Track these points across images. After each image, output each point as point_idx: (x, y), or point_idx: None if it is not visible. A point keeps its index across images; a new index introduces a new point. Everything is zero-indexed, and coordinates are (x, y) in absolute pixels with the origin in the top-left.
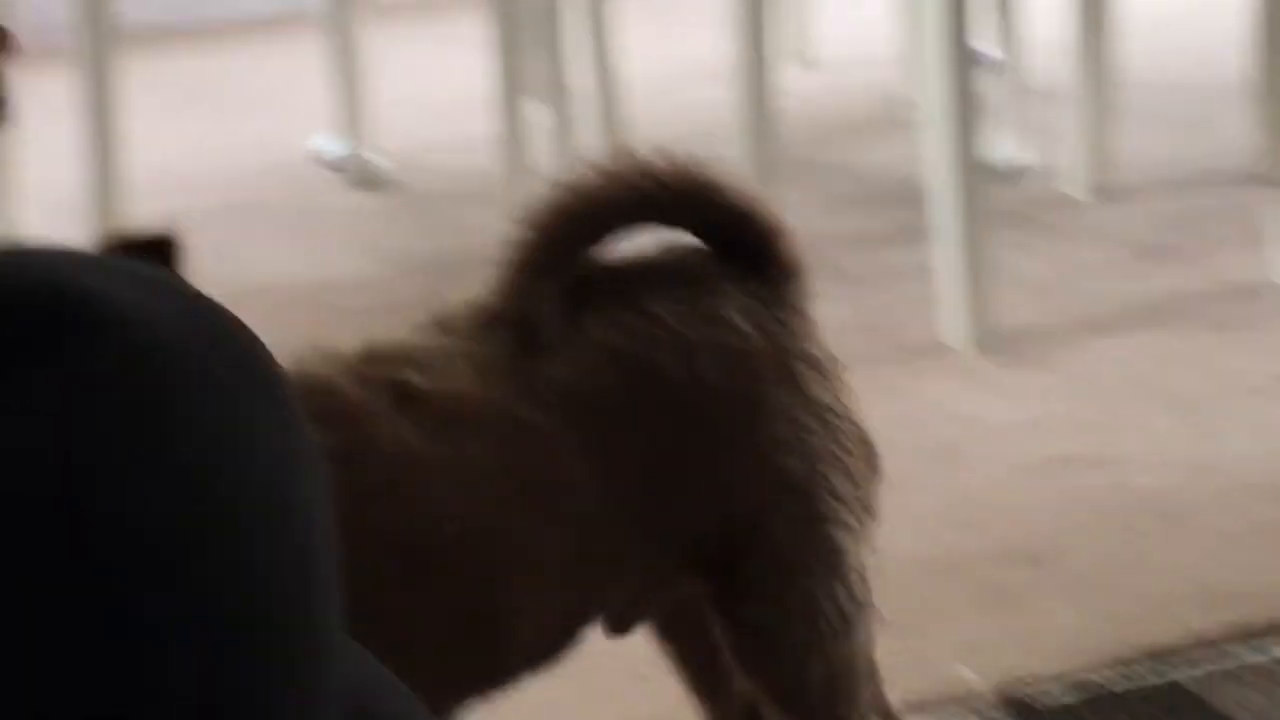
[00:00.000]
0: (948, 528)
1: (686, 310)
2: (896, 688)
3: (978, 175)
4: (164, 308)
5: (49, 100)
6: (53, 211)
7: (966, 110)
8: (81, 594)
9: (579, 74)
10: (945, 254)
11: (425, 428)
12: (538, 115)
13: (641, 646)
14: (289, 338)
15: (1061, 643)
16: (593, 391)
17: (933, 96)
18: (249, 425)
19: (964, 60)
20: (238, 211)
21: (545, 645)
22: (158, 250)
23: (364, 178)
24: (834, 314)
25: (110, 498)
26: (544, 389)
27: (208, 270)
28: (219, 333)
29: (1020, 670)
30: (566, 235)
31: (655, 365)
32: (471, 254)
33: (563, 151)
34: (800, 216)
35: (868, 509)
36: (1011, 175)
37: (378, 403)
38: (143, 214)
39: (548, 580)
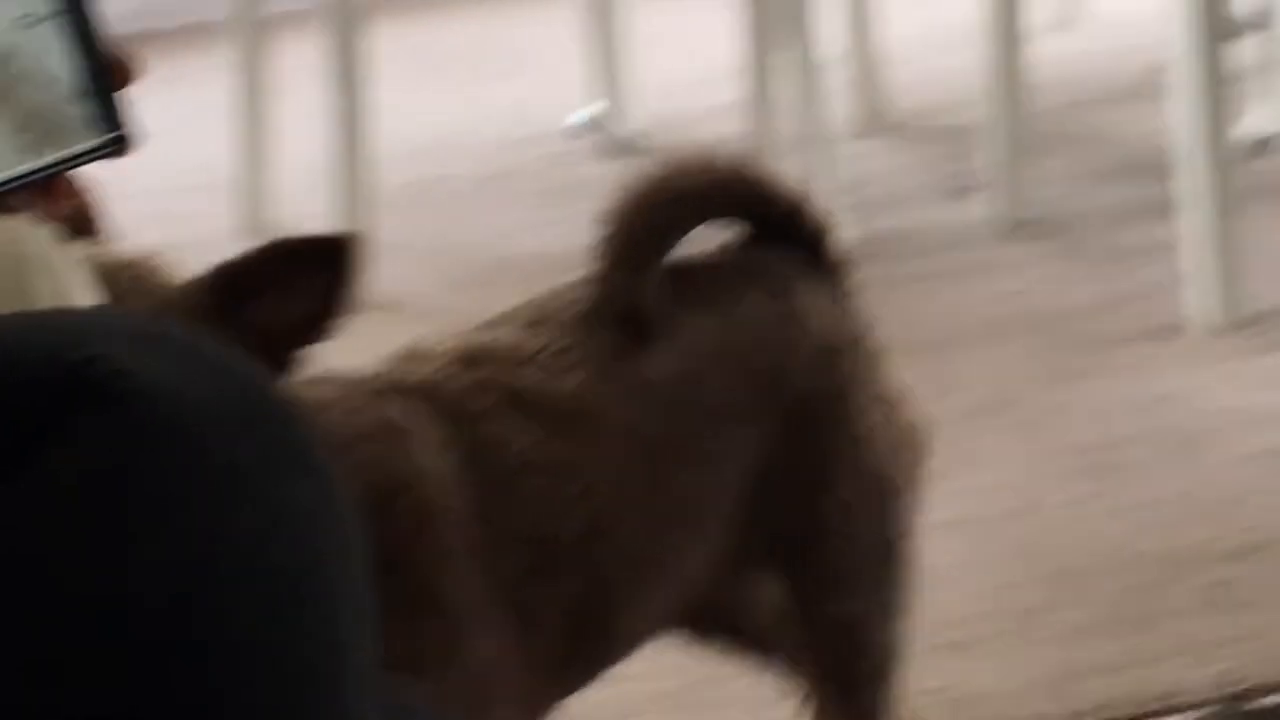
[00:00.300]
0: (1182, 519)
1: (770, 310)
2: (1120, 686)
3: (1228, 146)
4: (196, 381)
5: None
6: (305, 181)
7: (1217, 77)
8: (82, 683)
9: (832, 39)
10: (1193, 230)
11: (541, 428)
12: (788, 82)
13: None
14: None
15: None
16: (696, 391)
17: (1181, 62)
18: (274, 510)
19: (1215, 24)
20: (492, 181)
21: (636, 641)
22: (330, 255)
23: (617, 146)
24: (1076, 293)
25: (117, 583)
26: (651, 388)
27: (460, 240)
28: (253, 410)
29: (1242, 672)
30: (653, 229)
31: (751, 365)
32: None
33: (811, 120)
34: (1046, 189)
35: (919, 492)
36: (1264, 146)
37: (491, 403)
38: (393, 183)
39: (653, 577)
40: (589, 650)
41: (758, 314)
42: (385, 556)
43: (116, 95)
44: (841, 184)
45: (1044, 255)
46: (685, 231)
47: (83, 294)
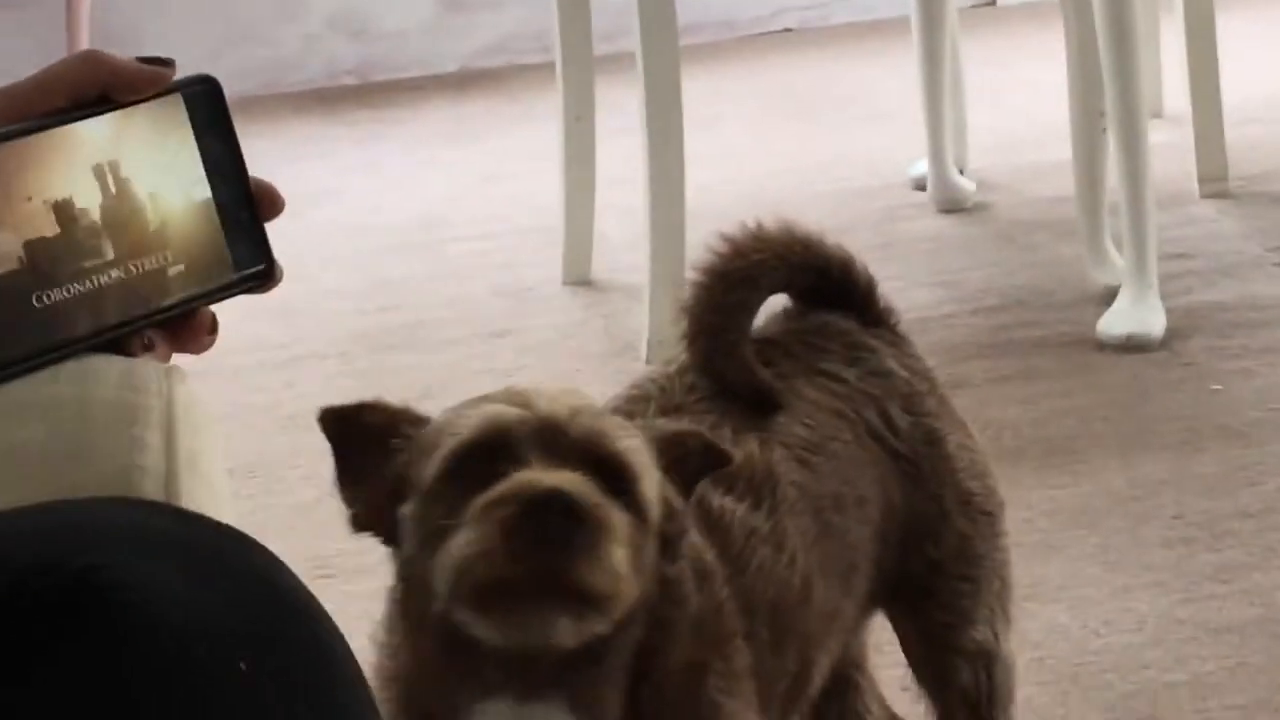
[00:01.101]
0: None
1: (858, 368)
2: None
3: None
4: (205, 599)
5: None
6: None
7: None
8: None
9: (1175, 94)
10: None
11: (743, 500)
12: (1117, 142)
13: None
14: None
15: None
16: (829, 448)
17: None
18: None
19: None
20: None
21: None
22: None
23: (951, 202)
24: None
25: None
26: (800, 449)
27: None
28: (261, 631)
29: None
30: (735, 304)
31: (860, 418)
32: (1042, 290)
33: (1136, 178)
34: None
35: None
36: None
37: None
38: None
39: (834, 632)
40: (789, 708)
41: (849, 375)
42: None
43: (261, 227)
44: (1169, 251)
45: None
46: (759, 303)
47: (197, 443)
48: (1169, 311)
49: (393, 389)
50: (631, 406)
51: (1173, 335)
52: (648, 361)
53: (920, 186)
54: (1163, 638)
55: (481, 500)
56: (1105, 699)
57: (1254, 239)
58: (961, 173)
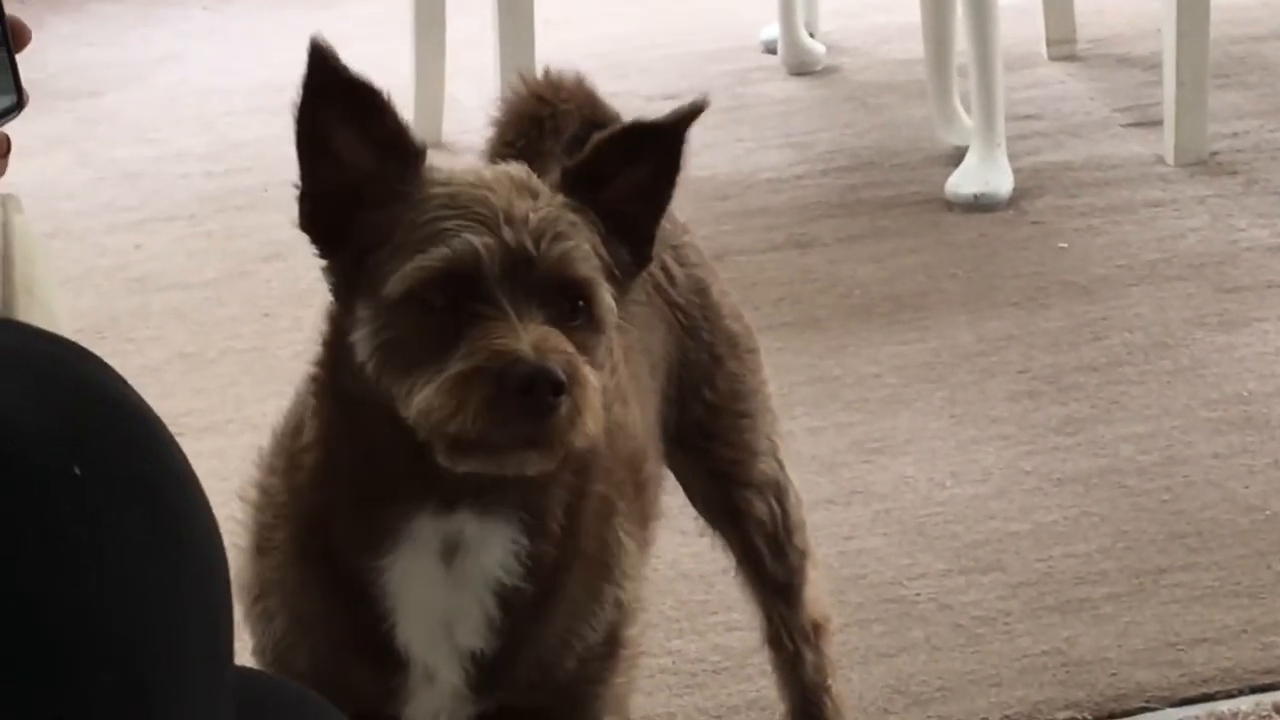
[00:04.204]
0: None
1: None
2: (1224, 656)
3: None
4: (37, 404)
5: None
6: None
7: None
8: None
9: None
10: None
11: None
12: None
13: None
14: (713, 233)
15: None
16: (632, 309)
17: None
18: (93, 528)
19: None
20: (683, 99)
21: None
22: (657, 135)
23: (802, 65)
24: (1247, 234)
25: None
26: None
27: None
28: (94, 436)
29: None
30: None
31: (649, 275)
32: (891, 151)
33: (984, 44)
34: (1225, 125)
35: None
36: None
37: None
38: None
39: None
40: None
41: None
42: None
43: (14, 62)
44: (1017, 112)
45: (1217, 193)
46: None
47: (32, 270)
48: (1016, 171)
49: (242, 249)
50: None
51: (1020, 194)
52: None
53: (771, 50)
54: (1008, 489)
55: (456, 369)
56: (951, 548)
57: (1101, 100)
58: (812, 36)
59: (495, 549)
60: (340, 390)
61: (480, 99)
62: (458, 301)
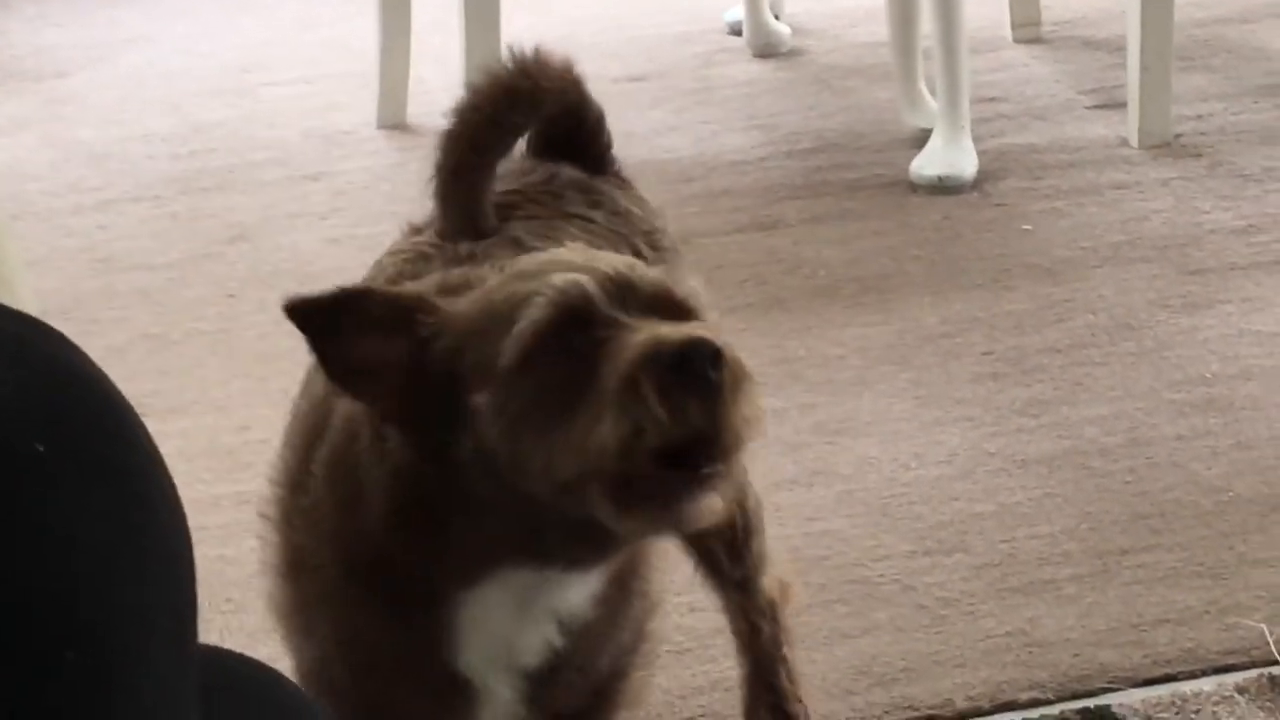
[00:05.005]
0: None
1: (602, 210)
2: (1187, 637)
3: None
4: (3, 383)
5: None
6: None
7: None
8: None
9: None
10: None
11: None
12: None
13: None
14: (677, 215)
15: None
16: None
17: None
18: (58, 507)
19: None
20: (648, 81)
21: None
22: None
23: (767, 47)
24: (1211, 216)
25: None
26: None
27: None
28: (58, 414)
29: None
30: (510, 125)
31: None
32: (856, 133)
33: (950, 28)
34: (1189, 107)
35: None
36: None
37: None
38: None
39: None
40: None
41: (597, 214)
42: None
43: None
44: (981, 94)
45: (1181, 176)
46: (526, 130)
47: None
48: (981, 154)
49: (208, 230)
50: (414, 268)
51: (984, 177)
52: None
53: (736, 31)
54: (972, 470)
55: (617, 375)
56: (915, 530)
57: (1065, 83)
58: (777, 18)
59: (572, 593)
60: (438, 490)
61: (446, 81)
62: (574, 343)
